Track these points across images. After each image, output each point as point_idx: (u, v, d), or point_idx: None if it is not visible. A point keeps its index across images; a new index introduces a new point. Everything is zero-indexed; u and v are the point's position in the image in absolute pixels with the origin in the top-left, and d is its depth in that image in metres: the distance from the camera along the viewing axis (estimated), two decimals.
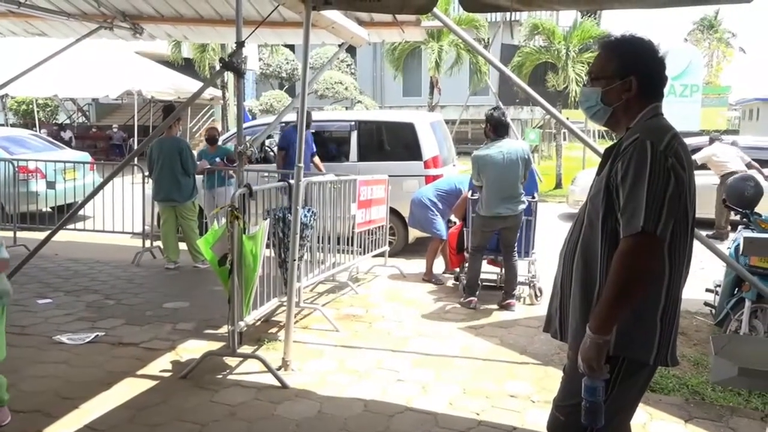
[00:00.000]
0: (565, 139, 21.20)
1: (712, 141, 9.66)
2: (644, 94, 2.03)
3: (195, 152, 7.84)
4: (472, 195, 5.82)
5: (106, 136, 24.20)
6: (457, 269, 6.33)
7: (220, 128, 12.63)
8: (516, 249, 5.73)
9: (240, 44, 4.23)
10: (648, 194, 1.81)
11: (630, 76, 2.01)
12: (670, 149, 1.87)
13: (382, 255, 7.11)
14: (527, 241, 5.98)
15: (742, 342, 2.29)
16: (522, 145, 5.76)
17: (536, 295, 5.85)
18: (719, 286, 4.88)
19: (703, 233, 4.08)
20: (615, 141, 2.08)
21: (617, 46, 2.08)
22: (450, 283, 6.46)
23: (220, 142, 8.41)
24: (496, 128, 5.56)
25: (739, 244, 4.25)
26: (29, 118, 24.24)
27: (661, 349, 1.95)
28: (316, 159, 7.96)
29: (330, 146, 8.74)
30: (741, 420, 3.55)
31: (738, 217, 4.76)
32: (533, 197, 5.94)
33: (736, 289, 4.52)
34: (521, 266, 5.96)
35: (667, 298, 1.94)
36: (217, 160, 7.85)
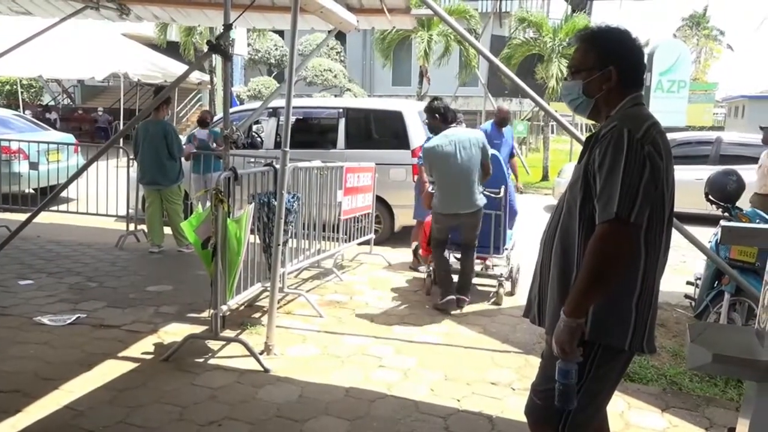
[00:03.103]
0: (552, 132, 21.29)
1: None
2: (624, 83, 2.04)
3: (183, 137, 7.78)
4: (432, 188, 5.36)
5: (92, 119, 23.93)
6: (428, 257, 5.96)
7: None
8: (476, 248, 5.38)
9: (227, 26, 4.19)
10: (623, 181, 1.83)
11: (609, 67, 2.03)
12: (648, 137, 1.89)
13: (367, 243, 7.12)
14: (497, 236, 5.58)
15: (717, 330, 2.33)
16: (475, 132, 5.32)
17: (502, 295, 5.50)
18: (699, 279, 4.94)
19: (689, 228, 4.12)
20: (595, 130, 2.10)
21: (595, 38, 2.09)
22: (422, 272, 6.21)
23: None
24: (445, 117, 5.21)
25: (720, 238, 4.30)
26: (13, 98, 23.90)
27: (636, 336, 1.98)
28: (515, 161, 7.15)
29: (317, 133, 8.72)
30: (717, 410, 3.61)
31: (720, 211, 4.81)
32: (499, 191, 5.50)
33: (716, 282, 4.58)
34: (498, 262, 5.97)
35: (642, 285, 1.96)
36: (213, 145, 7.75)
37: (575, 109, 2.16)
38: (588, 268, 1.86)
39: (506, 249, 5.77)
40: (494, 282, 5.67)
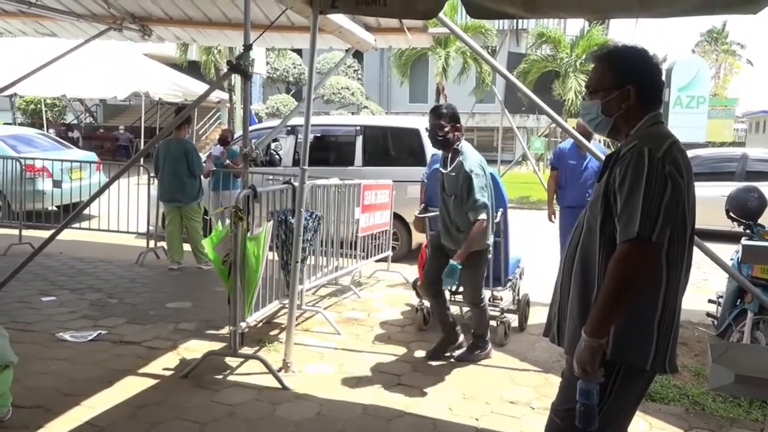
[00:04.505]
0: None
1: None
2: (643, 102, 2.05)
3: (202, 154, 7.88)
4: (424, 212, 4.86)
5: (113, 137, 24.33)
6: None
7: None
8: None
9: (247, 47, 4.26)
10: (644, 201, 1.83)
11: (627, 86, 2.03)
12: (668, 156, 1.89)
13: (385, 260, 7.12)
14: (497, 267, 4.86)
15: (740, 350, 2.30)
16: None
17: (506, 333, 4.87)
18: (722, 297, 4.87)
19: (710, 244, 4.07)
20: (614, 149, 2.11)
21: (612, 57, 2.10)
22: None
23: None
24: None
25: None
26: (37, 117, 24.38)
27: (658, 356, 1.96)
28: None
29: (335, 151, 8.78)
30: (740, 431, 3.54)
31: (741, 228, 4.75)
32: (499, 212, 4.71)
33: (739, 300, 4.51)
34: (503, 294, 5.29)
35: (664, 305, 1.95)
36: (227, 162, 7.86)
37: (595, 128, 2.17)
38: (609, 288, 1.86)
39: (509, 280, 5.11)
40: (502, 316, 4.95)
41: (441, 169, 4.33)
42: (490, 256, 4.43)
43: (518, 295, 5.31)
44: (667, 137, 1.97)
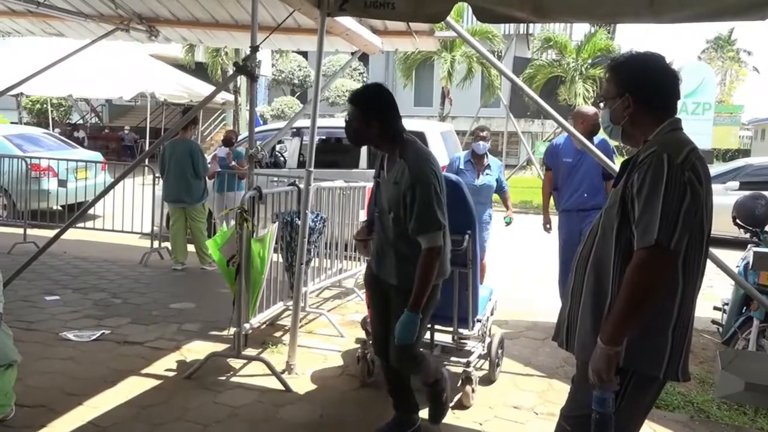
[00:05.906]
0: None
1: None
2: (649, 108, 2.04)
3: (207, 156, 7.89)
4: (367, 230, 3.47)
5: (118, 137, 24.40)
6: None
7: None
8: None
9: (254, 49, 4.26)
10: (663, 207, 1.81)
11: (626, 94, 2.04)
12: (688, 163, 1.88)
13: None
14: (464, 305, 3.78)
15: (749, 358, 2.28)
16: None
17: (473, 390, 3.76)
18: (727, 304, 4.85)
19: (716, 251, 4.05)
20: (630, 155, 2.11)
21: (618, 67, 2.12)
22: None
23: None
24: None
25: (748, 262, 4.23)
26: (43, 117, 24.49)
27: (671, 364, 1.95)
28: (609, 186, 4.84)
29: (340, 153, 8.77)
30: None
31: (748, 236, 4.73)
32: (462, 239, 3.56)
33: (744, 307, 4.50)
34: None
35: (679, 313, 1.94)
36: (233, 164, 7.88)
37: (609, 135, 2.22)
38: (626, 296, 1.84)
39: (478, 321, 3.98)
40: (467, 369, 3.78)
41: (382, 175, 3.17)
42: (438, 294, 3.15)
43: (488, 335, 4.17)
44: (686, 144, 1.95)
